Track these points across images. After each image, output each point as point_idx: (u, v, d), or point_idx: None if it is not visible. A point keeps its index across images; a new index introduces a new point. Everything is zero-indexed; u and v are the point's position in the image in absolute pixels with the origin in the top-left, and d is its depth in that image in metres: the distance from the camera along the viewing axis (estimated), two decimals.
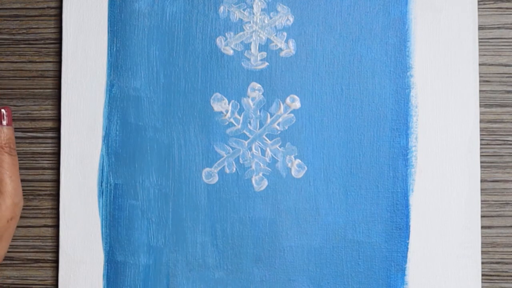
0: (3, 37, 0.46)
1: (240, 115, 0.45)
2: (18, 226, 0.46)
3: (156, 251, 0.45)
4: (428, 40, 0.45)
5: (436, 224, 0.44)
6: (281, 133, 0.45)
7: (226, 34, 0.45)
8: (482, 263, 0.44)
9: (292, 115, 0.45)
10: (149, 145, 0.45)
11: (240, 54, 0.45)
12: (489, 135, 0.45)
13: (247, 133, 0.45)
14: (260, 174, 0.45)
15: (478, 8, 0.45)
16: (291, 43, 0.45)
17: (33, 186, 0.46)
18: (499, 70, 0.45)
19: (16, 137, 0.46)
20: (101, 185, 0.45)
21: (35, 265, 0.45)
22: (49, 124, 0.46)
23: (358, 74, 0.45)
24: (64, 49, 0.45)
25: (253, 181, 0.45)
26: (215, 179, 0.45)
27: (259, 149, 0.45)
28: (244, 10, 0.45)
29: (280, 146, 0.45)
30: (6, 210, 0.41)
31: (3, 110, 0.43)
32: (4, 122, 0.43)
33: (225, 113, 0.45)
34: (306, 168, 0.45)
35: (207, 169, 0.45)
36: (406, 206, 0.44)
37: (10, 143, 0.43)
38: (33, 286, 0.45)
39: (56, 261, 0.45)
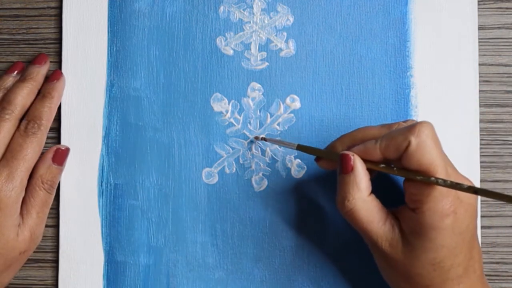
0: (3, 37, 0.46)
1: (240, 115, 0.45)
2: None
3: (156, 251, 0.45)
4: (428, 40, 0.45)
5: None
6: (281, 133, 0.45)
7: (226, 34, 0.45)
8: (483, 263, 0.44)
9: (292, 115, 0.45)
10: (149, 145, 0.45)
11: (240, 54, 0.45)
12: (489, 135, 0.45)
13: (247, 133, 0.45)
14: (260, 174, 0.45)
15: (478, 8, 0.45)
16: (291, 43, 0.45)
17: None
18: (499, 70, 0.45)
19: None
20: (101, 185, 0.45)
21: (35, 265, 0.45)
22: None
23: (358, 74, 0.45)
24: (64, 49, 0.45)
25: (253, 181, 0.45)
26: (215, 179, 0.45)
27: (259, 149, 0.45)
28: (244, 10, 0.45)
29: (280, 146, 0.45)
30: (22, 241, 0.41)
31: (60, 149, 0.43)
32: (56, 163, 0.43)
33: (225, 113, 0.45)
34: (305, 168, 0.45)
35: (207, 169, 0.45)
36: None
37: (53, 183, 0.43)
38: (33, 286, 0.45)
39: (56, 261, 0.45)
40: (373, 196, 0.38)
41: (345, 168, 0.37)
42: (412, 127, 0.36)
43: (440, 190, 0.35)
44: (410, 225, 0.36)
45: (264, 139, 0.44)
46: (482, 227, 0.44)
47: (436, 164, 0.35)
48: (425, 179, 0.35)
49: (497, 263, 0.45)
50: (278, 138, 0.44)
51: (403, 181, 0.38)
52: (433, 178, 0.35)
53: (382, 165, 0.38)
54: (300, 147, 0.42)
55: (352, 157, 0.37)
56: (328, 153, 0.41)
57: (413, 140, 0.35)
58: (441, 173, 0.35)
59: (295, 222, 0.45)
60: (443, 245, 0.35)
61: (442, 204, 0.35)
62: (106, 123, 0.45)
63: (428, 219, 0.35)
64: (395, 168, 0.37)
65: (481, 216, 0.44)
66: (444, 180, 0.34)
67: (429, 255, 0.36)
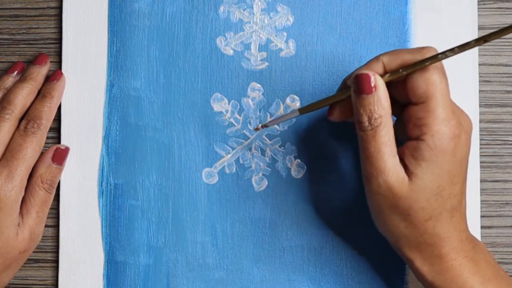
0: (3, 37, 0.46)
1: (240, 115, 0.45)
2: None
3: (156, 251, 0.45)
4: (428, 40, 0.45)
5: None
6: (280, 133, 0.45)
7: (226, 34, 0.45)
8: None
9: None
10: (149, 145, 0.45)
11: (240, 54, 0.45)
12: (489, 135, 0.45)
13: (247, 133, 0.45)
14: (260, 174, 0.45)
15: (478, 8, 0.45)
16: (291, 43, 0.45)
17: None
18: (499, 70, 0.45)
19: None
20: (101, 185, 0.45)
21: (35, 265, 0.45)
22: None
23: None
24: (64, 49, 0.45)
25: (253, 181, 0.45)
26: (215, 179, 0.45)
27: (259, 149, 0.45)
28: (244, 10, 0.45)
29: (279, 146, 0.45)
30: (22, 241, 0.41)
31: (60, 149, 0.43)
32: (55, 162, 0.43)
33: (225, 113, 0.45)
34: (305, 168, 0.45)
35: (207, 169, 0.45)
36: None
37: (52, 182, 0.43)
38: (33, 286, 0.45)
39: (56, 261, 0.45)
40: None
41: (366, 88, 0.36)
42: (419, 48, 0.36)
43: (446, 113, 0.35)
44: (416, 156, 0.36)
45: (264, 126, 0.43)
46: (482, 227, 0.44)
47: (441, 87, 0.36)
48: (434, 59, 0.35)
49: (497, 263, 0.45)
50: (278, 116, 0.44)
51: (403, 113, 0.38)
52: (440, 55, 0.35)
53: (388, 74, 0.37)
54: (302, 110, 0.40)
55: (372, 76, 0.36)
56: (337, 95, 0.39)
57: (419, 58, 0.36)
58: (446, 96, 0.36)
59: (295, 222, 0.45)
60: (447, 171, 0.36)
61: (450, 126, 0.35)
62: (106, 123, 0.45)
63: (438, 142, 0.35)
64: (400, 70, 0.36)
65: (481, 216, 0.44)
66: (452, 49, 0.35)
67: (435, 183, 0.36)
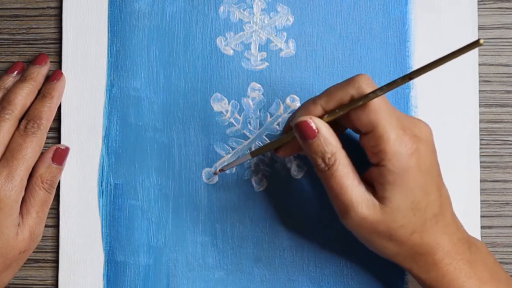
0: (3, 37, 0.46)
1: (240, 115, 0.45)
2: None
3: (156, 251, 0.45)
4: (428, 40, 0.45)
5: None
6: (281, 133, 0.45)
7: (226, 34, 0.45)
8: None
9: None
10: (149, 145, 0.45)
11: (240, 54, 0.45)
12: (489, 135, 0.45)
13: (247, 133, 0.45)
14: (260, 174, 0.45)
15: (478, 8, 0.45)
16: (291, 43, 0.45)
17: None
18: (499, 70, 0.45)
19: None
20: (101, 185, 0.45)
21: (35, 265, 0.46)
22: None
23: None
24: (64, 49, 0.45)
25: (253, 181, 0.45)
26: (215, 179, 0.45)
27: None
28: (244, 10, 0.45)
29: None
30: (22, 241, 0.41)
31: (60, 149, 0.43)
32: (55, 162, 0.43)
33: (225, 113, 0.45)
34: (305, 168, 0.45)
35: (207, 169, 0.45)
36: None
37: (52, 182, 0.43)
38: (33, 286, 0.45)
39: (56, 261, 0.45)
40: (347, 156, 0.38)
41: (309, 134, 0.37)
42: (350, 80, 0.37)
43: (396, 133, 0.35)
44: (381, 181, 0.36)
45: (221, 170, 0.44)
46: (482, 227, 0.44)
47: (383, 110, 0.36)
48: (366, 99, 0.35)
49: (497, 262, 0.45)
50: (232, 160, 0.44)
51: (360, 141, 0.38)
52: (371, 94, 0.35)
53: (326, 116, 0.37)
54: (254, 152, 0.42)
55: (311, 121, 0.37)
56: (283, 138, 0.40)
57: (355, 93, 0.36)
58: (391, 117, 0.36)
59: (295, 222, 0.45)
60: (417, 185, 0.36)
61: (404, 144, 0.35)
62: (106, 123, 0.45)
63: (397, 163, 0.35)
64: (337, 110, 0.37)
65: (481, 216, 0.44)
66: (381, 88, 0.35)
67: (408, 200, 0.36)
